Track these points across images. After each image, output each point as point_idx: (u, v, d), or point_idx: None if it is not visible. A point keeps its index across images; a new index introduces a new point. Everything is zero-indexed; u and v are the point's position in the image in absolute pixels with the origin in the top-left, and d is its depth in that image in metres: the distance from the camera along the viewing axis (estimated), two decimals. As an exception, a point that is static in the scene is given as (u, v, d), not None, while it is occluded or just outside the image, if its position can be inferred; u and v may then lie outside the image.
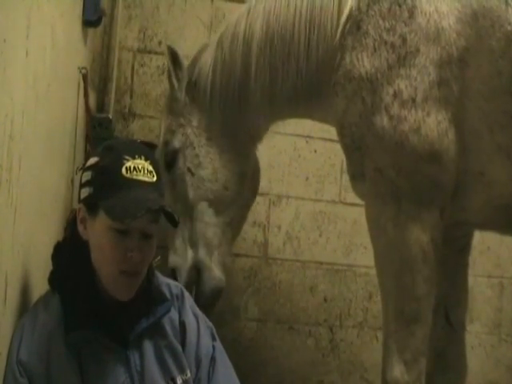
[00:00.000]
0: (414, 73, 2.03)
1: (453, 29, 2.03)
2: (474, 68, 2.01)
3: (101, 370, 1.51)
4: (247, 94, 2.46)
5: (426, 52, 2.03)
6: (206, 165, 2.55)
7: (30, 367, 1.44)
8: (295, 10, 2.33)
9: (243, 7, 2.53)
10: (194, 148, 2.57)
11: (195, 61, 2.62)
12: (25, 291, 1.59)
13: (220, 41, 2.53)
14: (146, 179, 1.55)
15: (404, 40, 2.05)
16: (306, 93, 2.35)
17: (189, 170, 2.56)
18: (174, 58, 2.62)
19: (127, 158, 1.55)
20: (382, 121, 2.05)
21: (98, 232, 1.54)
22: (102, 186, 1.55)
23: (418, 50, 2.04)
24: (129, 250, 1.52)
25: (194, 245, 2.59)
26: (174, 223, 1.58)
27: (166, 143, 2.63)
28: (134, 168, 1.54)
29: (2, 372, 1.43)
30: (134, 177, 1.53)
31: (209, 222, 2.57)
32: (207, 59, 2.56)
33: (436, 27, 2.04)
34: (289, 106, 2.44)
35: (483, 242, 3.52)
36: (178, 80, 2.62)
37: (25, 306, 1.58)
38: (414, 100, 2.03)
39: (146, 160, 1.57)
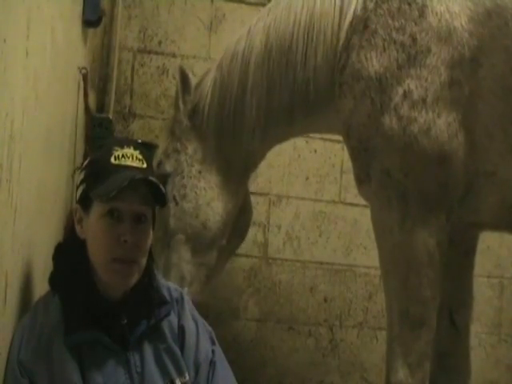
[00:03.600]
0: (424, 73, 2.01)
1: (465, 29, 2.01)
2: (488, 67, 1.99)
3: (101, 370, 1.51)
4: (243, 111, 2.40)
5: (437, 52, 2.01)
6: (191, 198, 2.47)
7: (30, 367, 1.44)
8: (295, 19, 2.29)
9: (244, 28, 2.48)
10: (184, 177, 2.50)
11: (198, 85, 2.56)
12: (25, 291, 1.59)
13: (220, 62, 2.49)
14: (135, 164, 1.56)
15: (414, 39, 2.03)
16: (303, 100, 2.31)
17: (174, 198, 2.48)
18: (184, 80, 2.55)
19: (116, 148, 1.57)
20: (391, 121, 2.03)
21: (92, 224, 1.55)
22: (92, 177, 1.56)
23: (428, 50, 2.02)
24: (121, 234, 1.52)
25: (167, 273, 2.48)
26: (163, 201, 1.58)
27: (159, 164, 2.57)
28: (123, 155, 1.55)
29: (3, 372, 1.42)
30: (123, 163, 1.54)
31: (184, 257, 2.48)
32: (207, 81, 2.51)
33: (448, 27, 2.02)
34: (286, 118, 2.38)
35: (483, 241, 3.51)
36: (184, 103, 2.54)
37: (25, 306, 1.58)
38: (424, 101, 2.01)
39: (135, 149, 1.58)
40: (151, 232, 1.61)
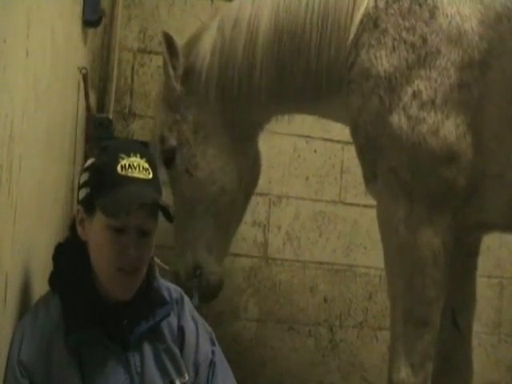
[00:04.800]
0: (434, 74, 2.02)
1: (475, 32, 2.02)
2: (498, 71, 2.00)
3: (101, 371, 1.51)
4: (250, 88, 2.39)
5: (447, 54, 2.02)
6: (203, 166, 2.49)
7: (30, 368, 1.44)
8: (307, 4, 2.27)
9: None
10: (191, 146, 2.49)
11: (192, 43, 2.51)
12: (25, 291, 1.59)
13: (221, 25, 2.44)
14: (142, 176, 1.55)
15: (424, 40, 2.04)
16: (314, 92, 2.31)
17: (187, 170, 2.50)
18: (170, 44, 2.49)
19: (122, 156, 1.55)
20: (400, 120, 2.04)
21: (95, 231, 1.54)
22: (98, 185, 1.55)
23: (438, 52, 2.03)
24: (126, 247, 1.52)
25: (192, 245, 2.56)
26: (170, 218, 1.57)
27: (163, 140, 2.54)
28: (129, 166, 1.54)
29: (3, 372, 1.42)
30: (129, 174, 1.53)
31: (207, 224, 2.54)
32: (205, 43, 2.45)
33: (458, 30, 2.02)
34: (294, 103, 2.42)
35: (483, 242, 3.51)
36: (174, 69, 2.50)
37: (25, 306, 1.58)
38: (433, 102, 2.01)
39: (141, 157, 1.57)
40: (153, 241, 1.61)
